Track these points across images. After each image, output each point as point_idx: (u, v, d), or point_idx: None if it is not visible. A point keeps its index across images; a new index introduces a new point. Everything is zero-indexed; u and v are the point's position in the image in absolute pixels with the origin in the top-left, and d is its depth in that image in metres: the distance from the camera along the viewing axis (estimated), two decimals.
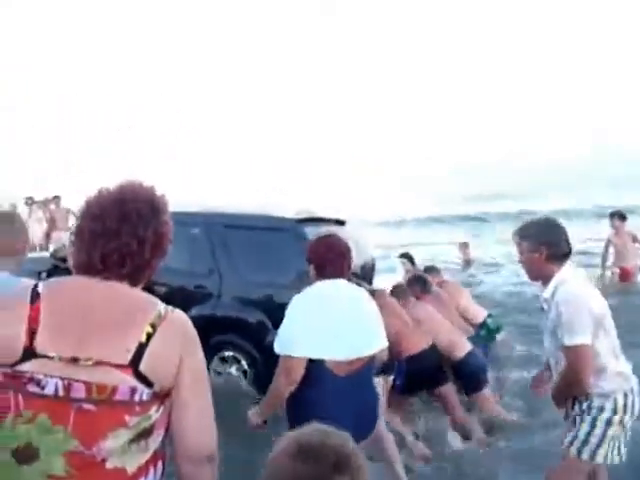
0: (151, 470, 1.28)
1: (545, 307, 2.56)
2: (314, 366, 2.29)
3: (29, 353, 1.20)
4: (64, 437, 1.18)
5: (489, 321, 5.45)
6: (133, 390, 1.22)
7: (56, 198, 11.31)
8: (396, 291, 4.52)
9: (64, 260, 5.29)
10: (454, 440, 3.79)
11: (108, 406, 1.21)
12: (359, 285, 4.21)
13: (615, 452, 2.42)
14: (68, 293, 1.31)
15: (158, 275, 5.07)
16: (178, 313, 1.35)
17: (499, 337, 5.51)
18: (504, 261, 12.35)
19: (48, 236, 11.05)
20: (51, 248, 6.36)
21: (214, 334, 4.59)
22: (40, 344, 1.21)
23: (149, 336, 1.25)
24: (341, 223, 5.72)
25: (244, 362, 4.53)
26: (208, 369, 4.44)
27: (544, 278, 2.53)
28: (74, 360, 1.21)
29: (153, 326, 1.26)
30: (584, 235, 12.67)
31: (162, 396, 1.29)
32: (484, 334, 5.28)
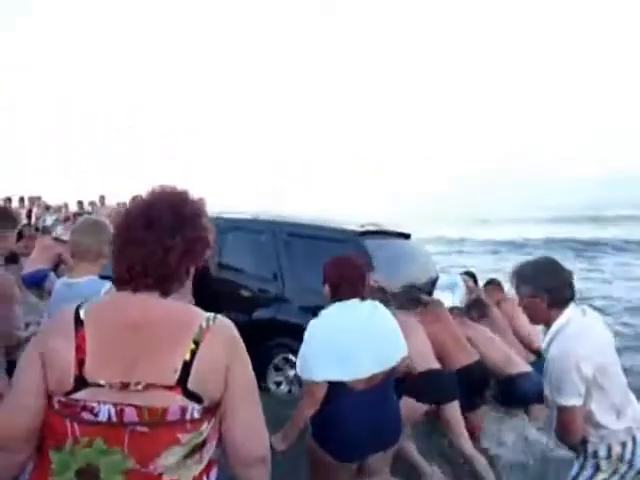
0: (204, 478, 1.32)
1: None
2: (333, 385, 2.40)
3: (81, 382, 1.22)
4: (121, 457, 1.22)
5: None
6: (184, 409, 1.24)
7: (101, 198, 12.12)
8: (453, 313, 4.50)
9: None
10: None
11: (161, 427, 1.23)
12: (415, 293, 4.28)
13: None
14: (108, 315, 1.30)
15: (227, 274, 5.38)
16: (220, 322, 1.34)
17: None
18: None
19: None
20: None
21: (275, 336, 4.78)
22: (90, 373, 1.22)
23: (193, 353, 1.25)
24: (406, 237, 5.77)
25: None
26: (267, 369, 4.62)
27: (546, 323, 2.40)
28: (124, 385, 1.22)
29: (196, 342, 1.26)
30: None
31: (213, 409, 1.30)
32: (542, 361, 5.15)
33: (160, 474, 1.24)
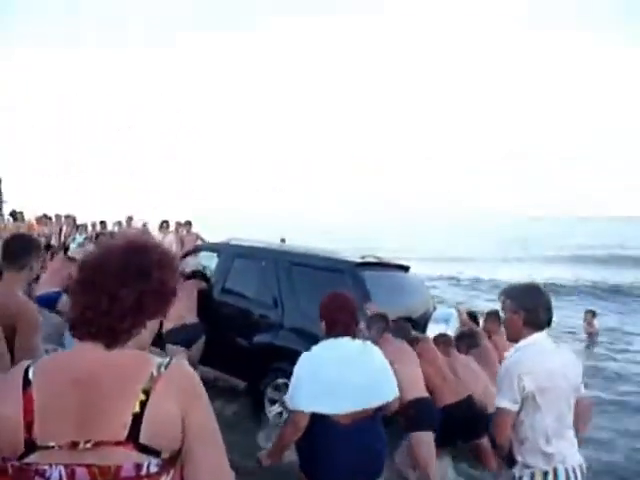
0: None
1: None
2: (318, 418, 2.56)
3: (31, 446, 1.18)
4: None
5: None
6: (138, 466, 1.19)
7: (187, 224, 11.84)
8: (439, 340, 4.63)
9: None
10: None
11: None
12: (405, 333, 4.42)
13: None
14: (53, 373, 1.25)
15: (230, 298, 5.58)
16: (173, 368, 1.26)
17: None
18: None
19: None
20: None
21: (273, 361, 4.95)
22: (39, 435, 1.18)
23: (143, 404, 1.19)
24: (405, 269, 5.92)
25: None
26: (265, 393, 4.76)
27: (517, 340, 2.58)
28: (74, 445, 1.18)
29: (146, 392, 1.20)
30: None
31: (174, 459, 1.24)
32: None
33: None
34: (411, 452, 3.79)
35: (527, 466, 2.48)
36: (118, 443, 1.18)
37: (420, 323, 5.18)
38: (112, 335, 1.26)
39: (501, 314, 2.83)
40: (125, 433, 1.17)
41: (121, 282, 1.27)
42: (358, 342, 2.76)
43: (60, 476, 1.18)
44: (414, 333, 4.57)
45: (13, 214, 14.31)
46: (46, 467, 1.19)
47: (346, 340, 2.71)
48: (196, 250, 6.81)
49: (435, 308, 5.86)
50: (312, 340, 5.01)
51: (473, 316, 6.16)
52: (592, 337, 9.74)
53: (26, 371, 1.24)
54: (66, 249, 11.39)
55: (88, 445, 1.18)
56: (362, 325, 3.64)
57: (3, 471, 1.22)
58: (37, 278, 6.95)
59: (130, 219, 13.26)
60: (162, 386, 1.21)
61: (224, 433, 1.30)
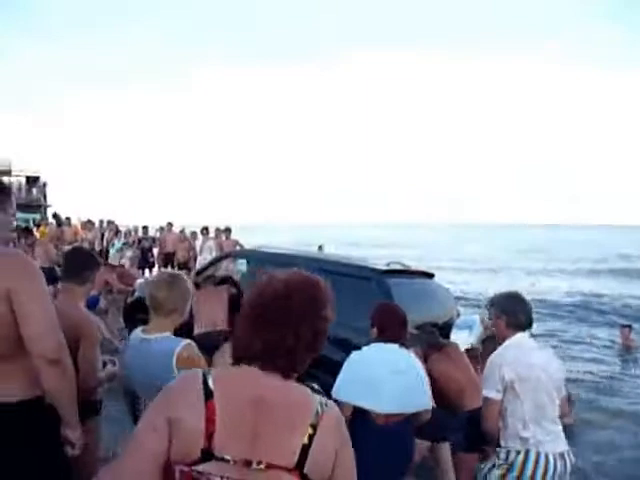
0: None
1: None
2: (359, 412, 2.71)
3: (207, 455, 1.22)
4: None
5: None
6: None
7: (227, 230, 12.19)
8: (468, 354, 4.72)
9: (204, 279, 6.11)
10: None
11: None
12: (433, 338, 4.54)
13: None
14: (235, 389, 1.30)
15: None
16: (332, 408, 1.34)
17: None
18: None
19: None
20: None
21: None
22: (218, 446, 1.22)
23: (311, 437, 1.26)
24: (429, 276, 6.04)
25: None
26: None
27: (503, 341, 2.97)
28: (247, 463, 1.23)
29: (313, 427, 1.27)
30: None
31: None
32: None
33: None
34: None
35: (506, 449, 2.82)
36: (288, 470, 1.24)
37: (444, 329, 5.29)
38: (291, 368, 1.34)
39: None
40: (295, 461, 1.24)
41: (304, 320, 1.34)
42: (405, 350, 2.92)
43: None
44: (441, 340, 4.69)
45: (55, 217, 14.65)
46: (217, 479, 1.23)
47: (394, 346, 2.89)
48: (223, 257, 7.03)
49: (459, 315, 5.96)
50: (340, 345, 5.23)
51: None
52: (630, 350, 9.82)
53: (205, 381, 1.29)
54: (107, 255, 11.71)
55: (261, 466, 1.24)
56: None
57: (167, 473, 1.26)
58: None
59: (170, 225, 13.55)
60: (325, 423, 1.29)
61: None
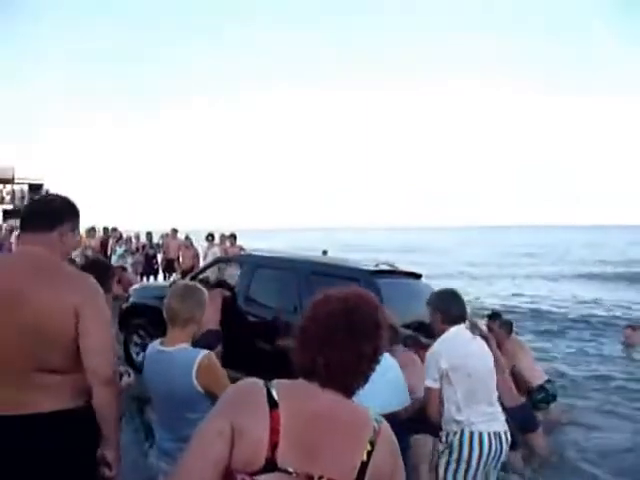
0: None
1: None
2: None
3: (270, 465, 1.21)
4: None
5: (548, 386, 5.69)
6: None
7: (232, 237, 12.02)
8: None
9: None
10: None
11: None
12: (415, 338, 4.72)
13: (452, 475, 3.06)
14: (300, 402, 1.30)
15: (252, 305, 6.02)
16: (386, 426, 1.36)
17: (553, 406, 5.75)
18: None
19: None
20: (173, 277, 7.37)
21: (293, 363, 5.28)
22: (281, 457, 1.22)
23: (369, 454, 1.27)
24: (417, 276, 6.22)
25: None
26: None
27: (440, 335, 3.21)
28: (309, 477, 1.23)
29: (372, 443, 1.28)
30: None
31: None
32: (540, 398, 5.58)
33: None
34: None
35: (445, 431, 3.07)
36: None
37: (430, 328, 5.47)
38: (354, 386, 1.36)
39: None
40: (354, 476, 1.26)
41: (365, 338, 1.34)
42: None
43: None
44: (426, 339, 4.87)
45: None
46: None
47: None
48: (217, 262, 7.17)
49: None
50: None
51: (498, 316, 6.38)
52: (633, 347, 9.87)
53: (268, 391, 1.29)
54: (109, 261, 11.68)
55: None
56: None
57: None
58: None
59: (175, 231, 13.59)
60: (382, 440, 1.31)
61: None
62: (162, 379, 2.31)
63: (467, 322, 5.90)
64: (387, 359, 3.06)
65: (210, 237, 12.54)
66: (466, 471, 3.04)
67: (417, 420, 3.92)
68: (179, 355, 2.32)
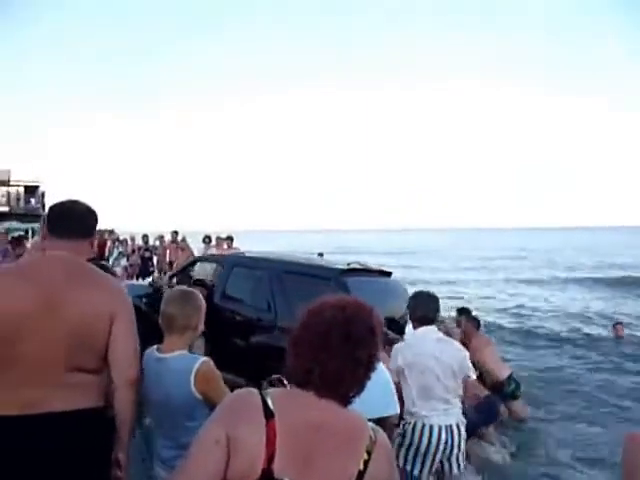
0: None
1: None
2: None
3: (267, 476, 1.20)
4: None
5: (514, 377, 6.08)
6: None
7: (229, 239, 11.92)
8: None
9: (159, 289, 6.46)
10: None
11: None
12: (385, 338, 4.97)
13: (403, 457, 3.37)
14: (296, 412, 1.29)
15: (229, 303, 6.27)
16: (382, 435, 1.35)
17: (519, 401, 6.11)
18: None
19: None
20: (150, 278, 7.57)
21: (268, 360, 5.50)
22: (278, 468, 1.21)
23: (366, 463, 1.26)
24: (387, 275, 6.44)
25: (287, 384, 5.35)
26: (262, 386, 5.36)
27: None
28: None
29: (368, 452, 1.28)
30: None
31: None
32: (512, 389, 5.95)
33: None
34: None
35: (403, 421, 3.34)
36: None
37: (400, 324, 5.74)
38: (350, 394, 1.34)
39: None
40: None
41: (362, 345, 1.32)
42: None
43: None
44: (393, 335, 5.12)
45: None
46: None
47: None
48: (196, 261, 7.39)
49: None
50: None
51: (466, 312, 6.68)
52: (618, 340, 10.87)
53: (264, 400, 1.28)
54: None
55: None
56: None
57: None
58: None
59: (176, 233, 13.55)
60: (378, 449, 1.31)
61: None
62: (160, 386, 2.30)
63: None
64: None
65: (207, 239, 12.57)
66: (415, 456, 3.33)
67: None
68: (177, 362, 2.30)
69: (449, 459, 3.37)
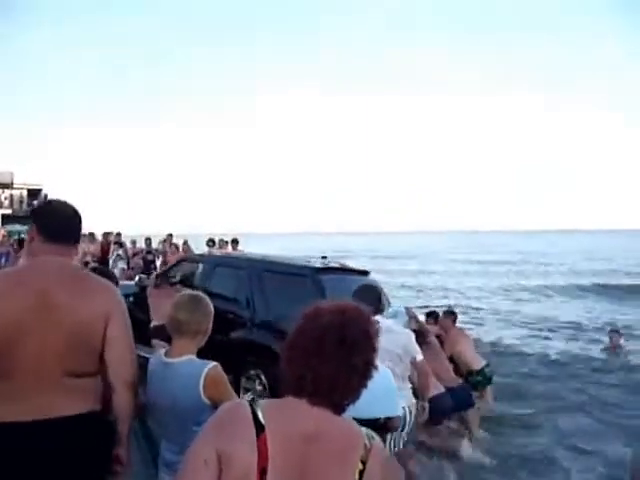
0: None
1: None
2: None
3: None
4: None
5: (486, 370, 6.35)
6: None
7: (234, 242, 11.91)
8: None
9: (144, 288, 6.72)
10: None
11: None
12: None
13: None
14: (288, 423, 1.25)
15: (214, 302, 6.48)
16: (377, 442, 1.32)
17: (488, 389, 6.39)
18: None
19: None
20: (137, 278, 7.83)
21: (247, 354, 5.76)
22: None
23: (361, 473, 1.24)
24: (364, 273, 6.58)
25: (264, 379, 5.58)
26: (239, 380, 5.63)
27: None
28: None
29: (363, 462, 1.25)
30: None
31: None
32: (479, 379, 6.22)
33: None
34: None
35: None
36: None
37: None
38: (344, 402, 1.30)
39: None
40: None
41: (357, 351, 1.28)
42: None
43: None
44: None
45: None
46: None
47: None
48: (181, 261, 7.66)
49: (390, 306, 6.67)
50: (281, 336, 5.85)
51: (435, 315, 7.01)
52: (616, 350, 9.92)
53: (254, 412, 1.24)
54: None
55: None
56: None
57: None
58: None
59: (170, 236, 13.64)
60: (373, 458, 1.27)
61: None
62: (168, 391, 2.28)
63: (404, 309, 6.50)
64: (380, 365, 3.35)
65: (211, 242, 12.56)
66: None
67: None
68: (185, 367, 2.28)
69: (393, 437, 3.54)
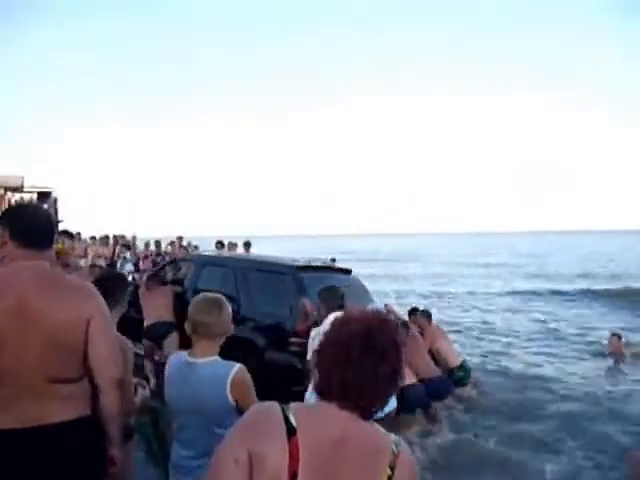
0: None
1: None
2: None
3: None
4: None
5: (465, 364, 6.71)
6: None
7: (247, 245, 11.59)
8: None
9: (137, 287, 6.99)
10: None
11: None
12: None
13: None
14: (319, 427, 1.27)
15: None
16: (405, 449, 1.33)
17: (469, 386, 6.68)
18: None
19: None
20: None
21: (232, 350, 6.00)
22: None
23: (389, 478, 1.25)
24: (347, 272, 6.83)
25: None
26: None
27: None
28: None
29: (392, 468, 1.26)
30: None
31: None
32: (462, 375, 6.54)
33: None
34: None
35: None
36: None
37: None
38: (373, 408, 1.31)
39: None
40: None
41: (385, 359, 1.30)
42: None
43: None
44: None
45: (65, 233, 14.03)
46: None
47: None
48: (172, 261, 7.98)
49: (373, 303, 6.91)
50: (263, 330, 6.14)
51: (428, 314, 7.23)
52: (617, 357, 9.39)
53: (285, 415, 1.26)
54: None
55: None
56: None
57: None
58: None
59: (180, 239, 13.62)
60: (402, 465, 1.29)
61: None
62: (191, 392, 2.25)
63: (384, 306, 6.76)
64: None
65: (219, 244, 12.44)
66: None
67: None
68: (210, 368, 2.28)
69: None
